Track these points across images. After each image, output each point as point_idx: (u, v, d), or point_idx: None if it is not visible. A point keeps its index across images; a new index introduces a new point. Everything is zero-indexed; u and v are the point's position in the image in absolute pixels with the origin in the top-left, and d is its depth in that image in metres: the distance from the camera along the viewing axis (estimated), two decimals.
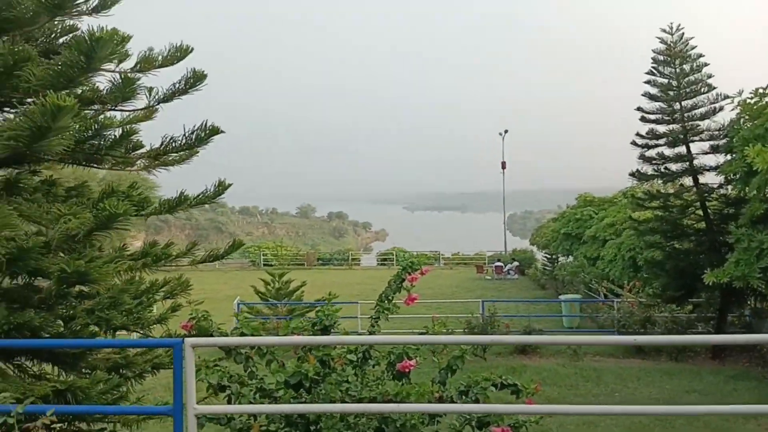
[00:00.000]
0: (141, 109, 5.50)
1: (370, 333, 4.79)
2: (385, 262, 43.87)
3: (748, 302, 14.57)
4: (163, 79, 5.34)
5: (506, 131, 48.74)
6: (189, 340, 3.57)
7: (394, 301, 5.20)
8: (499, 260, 36.83)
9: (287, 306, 16.24)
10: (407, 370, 4.07)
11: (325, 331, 4.39)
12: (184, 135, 5.23)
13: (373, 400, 3.92)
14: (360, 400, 3.86)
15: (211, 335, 4.43)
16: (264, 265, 41.63)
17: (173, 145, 5.42)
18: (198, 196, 5.67)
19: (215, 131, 5.40)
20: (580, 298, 22.00)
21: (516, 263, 35.74)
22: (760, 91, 12.16)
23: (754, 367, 13.35)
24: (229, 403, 3.86)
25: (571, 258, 31.37)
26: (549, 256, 32.98)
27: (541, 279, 31.05)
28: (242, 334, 4.22)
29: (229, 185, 5.92)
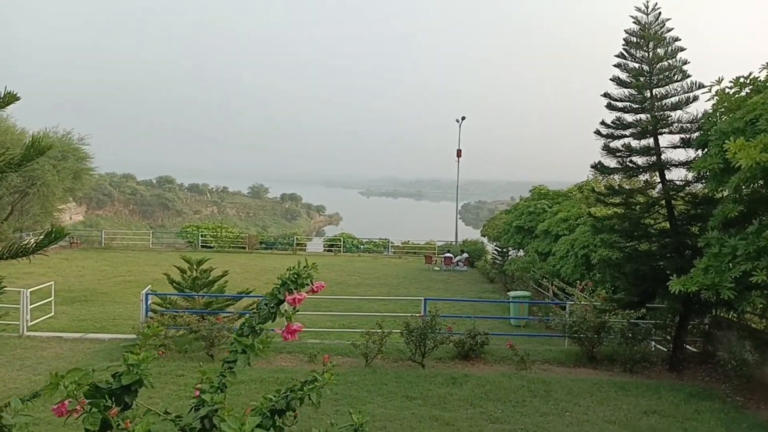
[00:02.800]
0: None
1: (204, 403, 3.03)
2: (332, 248, 42.08)
3: (711, 311, 13.46)
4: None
5: (463, 118, 47.35)
6: None
7: (265, 333, 3.48)
8: (448, 251, 35.53)
9: (205, 298, 14.31)
10: None
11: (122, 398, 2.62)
12: None
13: None
14: None
15: None
16: (202, 246, 39.29)
17: None
18: None
19: (11, 98, 3.88)
20: (530, 295, 20.85)
21: (465, 255, 34.52)
22: (741, 80, 10.92)
23: (715, 383, 12.22)
24: None
25: (522, 252, 30.33)
26: (499, 249, 31.85)
27: (490, 272, 29.88)
28: None
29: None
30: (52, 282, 17.79)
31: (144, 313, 14.08)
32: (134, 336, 13.08)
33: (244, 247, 39.44)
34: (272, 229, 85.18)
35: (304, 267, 3.59)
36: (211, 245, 39.45)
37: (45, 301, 16.75)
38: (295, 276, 3.50)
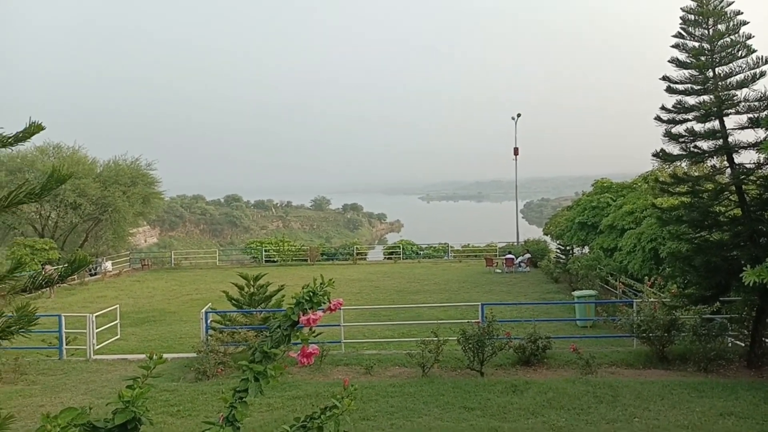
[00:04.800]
0: None
1: None
2: (392, 256, 41.96)
3: None
4: None
5: (519, 115, 46.45)
6: None
7: (283, 355, 3.32)
8: (509, 252, 34.72)
9: (262, 314, 14.43)
10: None
11: None
12: None
13: None
14: None
15: None
16: (266, 261, 40.00)
17: None
18: None
19: (37, 129, 3.97)
20: (595, 294, 19.98)
21: (528, 255, 33.62)
22: None
23: None
24: None
25: (586, 249, 29.28)
26: (562, 247, 30.86)
27: (554, 272, 28.94)
28: None
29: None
30: (117, 305, 18.41)
31: (204, 332, 14.32)
32: (195, 354, 13.32)
33: (306, 260, 39.89)
34: (335, 239, 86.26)
35: (321, 284, 3.40)
36: (275, 259, 40.09)
37: (113, 323, 17.34)
38: (310, 294, 3.31)
